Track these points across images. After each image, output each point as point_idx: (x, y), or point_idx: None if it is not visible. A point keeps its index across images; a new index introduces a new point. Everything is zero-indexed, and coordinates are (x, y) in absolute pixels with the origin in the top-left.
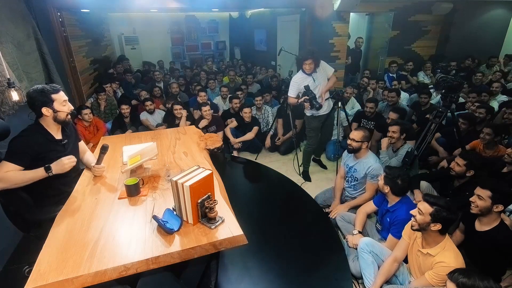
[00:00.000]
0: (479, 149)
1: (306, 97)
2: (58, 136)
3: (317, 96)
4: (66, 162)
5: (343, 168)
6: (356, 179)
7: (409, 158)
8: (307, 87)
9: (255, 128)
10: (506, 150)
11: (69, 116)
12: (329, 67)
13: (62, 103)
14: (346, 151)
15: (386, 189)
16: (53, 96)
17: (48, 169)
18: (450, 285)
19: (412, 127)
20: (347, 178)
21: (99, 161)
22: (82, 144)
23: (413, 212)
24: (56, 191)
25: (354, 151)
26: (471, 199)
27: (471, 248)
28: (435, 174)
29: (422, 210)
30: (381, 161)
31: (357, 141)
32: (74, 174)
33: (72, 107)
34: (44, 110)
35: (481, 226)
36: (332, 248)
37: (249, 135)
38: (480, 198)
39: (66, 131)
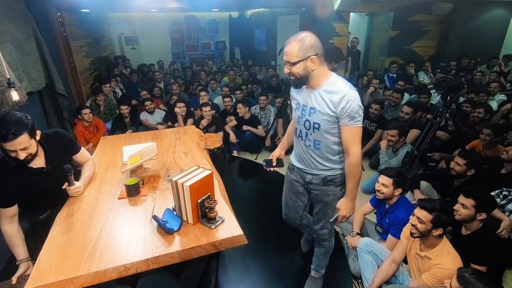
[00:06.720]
0: (479, 149)
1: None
2: (36, 164)
3: None
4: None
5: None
6: (315, 126)
7: (409, 158)
8: None
9: (261, 127)
10: (506, 149)
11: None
12: None
13: (12, 152)
14: (292, 87)
15: (397, 192)
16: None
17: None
18: (453, 278)
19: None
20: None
21: (70, 183)
22: (80, 156)
23: (412, 221)
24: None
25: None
26: (454, 207)
27: (458, 251)
28: (435, 174)
29: (422, 218)
30: (381, 161)
31: None
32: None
33: (24, 156)
34: None
35: (465, 230)
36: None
37: (259, 131)
38: (464, 207)
39: (50, 155)
